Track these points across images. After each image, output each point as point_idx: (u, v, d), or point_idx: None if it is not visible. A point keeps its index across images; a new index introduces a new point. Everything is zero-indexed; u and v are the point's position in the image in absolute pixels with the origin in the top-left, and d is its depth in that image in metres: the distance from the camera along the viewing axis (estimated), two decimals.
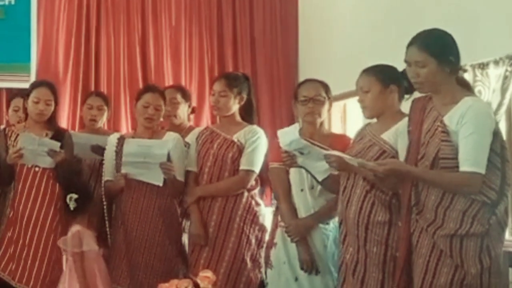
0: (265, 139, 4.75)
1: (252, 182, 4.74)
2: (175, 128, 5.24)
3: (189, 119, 5.67)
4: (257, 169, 4.71)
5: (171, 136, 4.81)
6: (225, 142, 4.72)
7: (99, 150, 5.05)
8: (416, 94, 3.74)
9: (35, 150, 4.66)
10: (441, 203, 3.38)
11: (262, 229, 4.75)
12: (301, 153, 4.07)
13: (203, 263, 4.58)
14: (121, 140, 4.85)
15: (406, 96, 3.95)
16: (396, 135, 3.83)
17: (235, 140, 4.71)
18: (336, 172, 4.03)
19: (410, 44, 3.52)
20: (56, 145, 4.69)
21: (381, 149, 3.86)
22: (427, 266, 3.39)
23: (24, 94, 5.12)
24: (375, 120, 4.04)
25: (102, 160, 4.97)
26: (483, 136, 3.31)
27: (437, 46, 3.46)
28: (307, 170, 4.22)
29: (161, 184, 4.69)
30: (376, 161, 3.74)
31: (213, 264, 4.59)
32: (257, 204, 4.78)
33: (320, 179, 4.17)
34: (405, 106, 3.93)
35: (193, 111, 5.70)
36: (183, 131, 5.21)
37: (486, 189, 3.31)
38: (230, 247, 4.64)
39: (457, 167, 3.32)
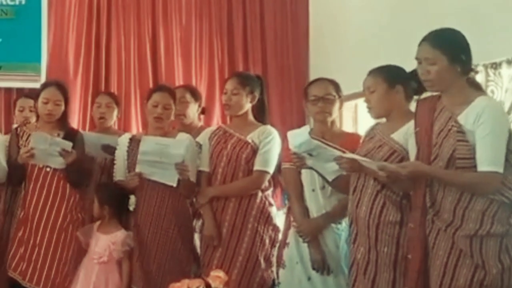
0: (279, 140, 4.74)
1: (266, 182, 4.74)
2: (184, 128, 5.24)
3: (199, 119, 5.66)
4: (271, 169, 4.71)
5: (183, 137, 4.80)
6: (239, 143, 4.72)
7: (110, 149, 5.06)
8: (426, 95, 3.73)
9: (46, 149, 4.65)
10: (459, 203, 3.37)
11: (276, 229, 4.75)
12: (311, 155, 4.07)
13: (217, 263, 4.58)
14: (133, 141, 4.86)
15: (416, 96, 3.93)
16: (407, 135, 3.81)
17: (249, 140, 4.70)
18: (345, 173, 4.02)
19: (422, 41, 3.53)
20: (68, 145, 4.69)
21: (391, 149, 3.85)
22: (445, 267, 3.38)
23: (29, 94, 5.13)
24: (384, 119, 4.03)
25: (113, 159, 4.97)
26: (501, 135, 3.31)
27: (449, 44, 3.46)
28: (316, 171, 4.21)
29: (174, 185, 4.67)
30: (387, 161, 3.74)
31: (227, 264, 4.60)
32: (271, 204, 4.78)
33: (330, 180, 4.17)
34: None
35: (203, 111, 5.69)
36: (193, 131, 5.20)
37: (504, 188, 3.31)
38: (244, 247, 4.64)
39: (474, 167, 3.32)
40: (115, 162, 4.92)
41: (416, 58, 3.54)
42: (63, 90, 4.91)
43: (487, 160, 3.28)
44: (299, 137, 4.12)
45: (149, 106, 4.82)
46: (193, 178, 4.74)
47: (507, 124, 3.38)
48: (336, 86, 4.49)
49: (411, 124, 3.79)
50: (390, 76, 3.94)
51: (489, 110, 3.32)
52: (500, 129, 3.32)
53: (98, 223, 4.84)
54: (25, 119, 5.41)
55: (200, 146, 4.87)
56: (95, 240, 4.77)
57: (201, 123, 5.62)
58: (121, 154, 4.87)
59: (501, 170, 3.27)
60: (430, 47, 3.47)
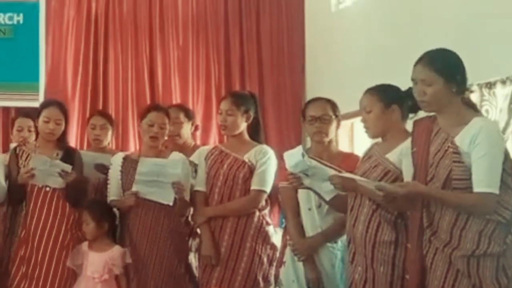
0: (275, 159, 4.75)
1: (263, 202, 4.75)
2: (178, 147, 5.22)
3: (194, 138, 5.66)
4: (268, 189, 4.72)
5: (176, 156, 4.81)
6: (235, 162, 4.72)
7: (103, 168, 5.05)
8: (421, 114, 3.75)
9: (46, 170, 4.67)
10: (456, 223, 3.37)
11: (273, 248, 4.75)
12: (306, 175, 4.09)
13: (215, 283, 4.58)
14: (126, 160, 4.86)
15: (411, 115, 3.95)
16: (401, 155, 3.81)
17: (246, 160, 4.71)
18: (341, 192, 4.03)
19: (417, 62, 3.53)
20: (68, 167, 4.70)
21: (385, 169, 3.86)
22: (443, 287, 3.39)
23: (28, 113, 5.14)
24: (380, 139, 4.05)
25: (106, 179, 4.97)
26: (496, 156, 3.32)
27: (444, 65, 3.46)
28: (314, 191, 4.22)
29: (171, 204, 4.68)
30: (380, 181, 3.75)
31: (225, 284, 4.59)
32: (268, 223, 4.77)
33: (327, 199, 4.17)
34: (411, 125, 3.94)
35: (196, 129, 5.69)
36: (186, 150, 5.19)
37: (500, 209, 3.32)
38: (243, 267, 4.62)
39: (469, 187, 3.33)
40: (108, 182, 4.92)
41: (412, 79, 3.56)
42: (64, 109, 4.93)
43: (483, 181, 3.29)
44: (293, 157, 4.14)
45: (144, 125, 4.83)
46: (187, 197, 4.76)
47: (503, 145, 3.40)
48: (333, 106, 4.50)
49: (405, 144, 3.80)
50: (386, 96, 3.95)
51: (485, 131, 3.33)
52: (496, 150, 3.32)
53: (86, 243, 4.81)
54: (23, 139, 5.41)
55: (194, 164, 4.88)
56: (91, 259, 4.75)
57: (194, 142, 5.63)
58: (114, 174, 4.86)
59: (496, 191, 3.28)
60: (425, 68, 3.47)
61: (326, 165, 4.12)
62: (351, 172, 3.99)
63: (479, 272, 3.31)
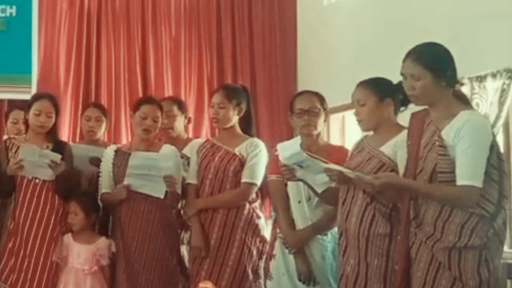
0: (266, 152, 4.76)
1: (253, 194, 4.75)
2: (172, 140, 5.22)
3: (186, 130, 5.66)
4: (258, 182, 4.72)
5: (168, 149, 4.82)
6: (226, 155, 4.73)
7: (98, 162, 5.03)
8: (412, 107, 3.77)
9: (35, 161, 4.65)
10: (440, 216, 3.39)
11: (263, 240, 4.75)
12: (300, 167, 4.09)
13: (205, 275, 4.59)
14: (118, 153, 4.87)
15: (402, 108, 3.98)
16: (396, 148, 3.83)
17: (237, 153, 4.72)
18: (334, 185, 4.03)
19: (406, 57, 3.54)
20: (57, 156, 4.69)
21: (380, 161, 3.86)
22: (425, 279, 3.40)
23: (23, 106, 5.14)
24: (372, 132, 4.05)
25: (99, 171, 4.96)
26: (480, 149, 3.33)
27: (433, 60, 3.47)
28: (306, 183, 4.23)
29: (162, 197, 4.69)
30: (375, 174, 3.75)
31: (215, 276, 4.60)
32: (258, 216, 4.78)
33: (319, 191, 4.17)
34: (402, 118, 3.96)
35: (188, 121, 5.70)
36: (179, 142, 5.20)
37: (484, 202, 3.33)
38: (232, 259, 4.64)
39: (454, 181, 3.34)
40: (100, 174, 4.92)
41: (401, 74, 3.57)
42: (55, 102, 4.93)
43: (466, 174, 3.30)
44: (289, 148, 4.13)
45: (137, 117, 4.82)
46: (179, 190, 4.76)
47: (488, 138, 3.38)
48: (321, 98, 4.50)
49: (399, 137, 3.83)
50: (379, 89, 3.96)
51: (469, 125, 3.34)
52: (480, 144, 3.33)
53: (69, 235, 4.81)
54: (18, 131, 5.41)
55: (187, 157, 4.89)
56: (76, 251, 4.76)
57: (187, 135, 5.63)
58: (106, 167, 4.86)
59: (479, 184, 3.29)
60: (414, 63, 3.48)
61: (315, 158, 4.12)
62: (339, 164, 3.98)
63: (460, 265, 3.33)
